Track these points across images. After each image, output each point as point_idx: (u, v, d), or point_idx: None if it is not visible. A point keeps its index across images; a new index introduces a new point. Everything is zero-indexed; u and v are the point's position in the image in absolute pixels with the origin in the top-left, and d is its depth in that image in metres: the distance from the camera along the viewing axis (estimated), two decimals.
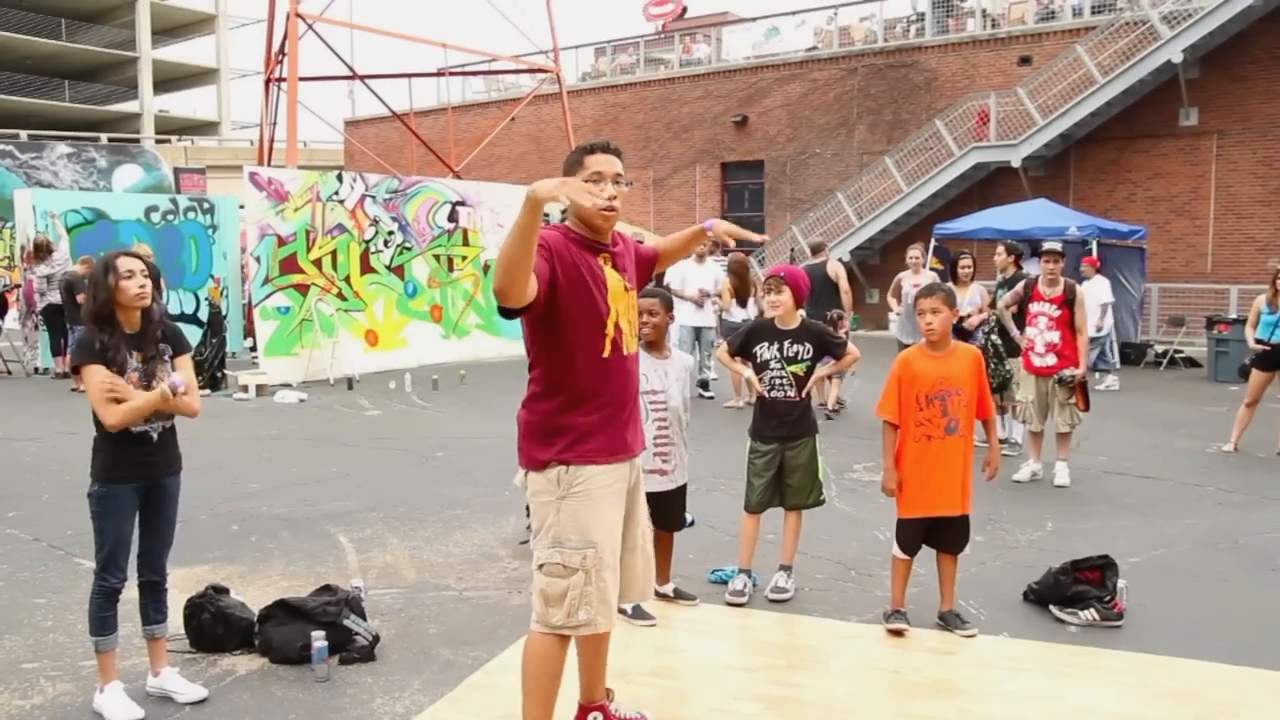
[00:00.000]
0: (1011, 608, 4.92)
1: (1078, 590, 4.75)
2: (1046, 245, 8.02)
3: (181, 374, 3.79)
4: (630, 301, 3.24)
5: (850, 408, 10.93)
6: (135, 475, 3.71)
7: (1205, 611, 4.88)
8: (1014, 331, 8.14)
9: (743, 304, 11.28)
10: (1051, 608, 4.79)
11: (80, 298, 5.89)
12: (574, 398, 3.09)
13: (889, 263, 20.37)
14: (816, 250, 11.32)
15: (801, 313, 5.06)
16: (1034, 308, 7.62)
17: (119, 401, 3.58)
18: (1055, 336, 7.48)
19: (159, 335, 3.78)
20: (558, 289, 2.99)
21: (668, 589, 4.96)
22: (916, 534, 4.61)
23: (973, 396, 4.55)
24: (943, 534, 4.60)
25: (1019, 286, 8.11)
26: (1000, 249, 9.12)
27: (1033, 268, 11.65)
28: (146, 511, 3.79)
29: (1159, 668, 4.20)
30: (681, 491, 4.92)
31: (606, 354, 3.11)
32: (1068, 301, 7.47)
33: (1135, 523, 6.42)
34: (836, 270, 10.83)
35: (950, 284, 9.44)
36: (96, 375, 3.59)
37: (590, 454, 3.08)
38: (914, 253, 10.95)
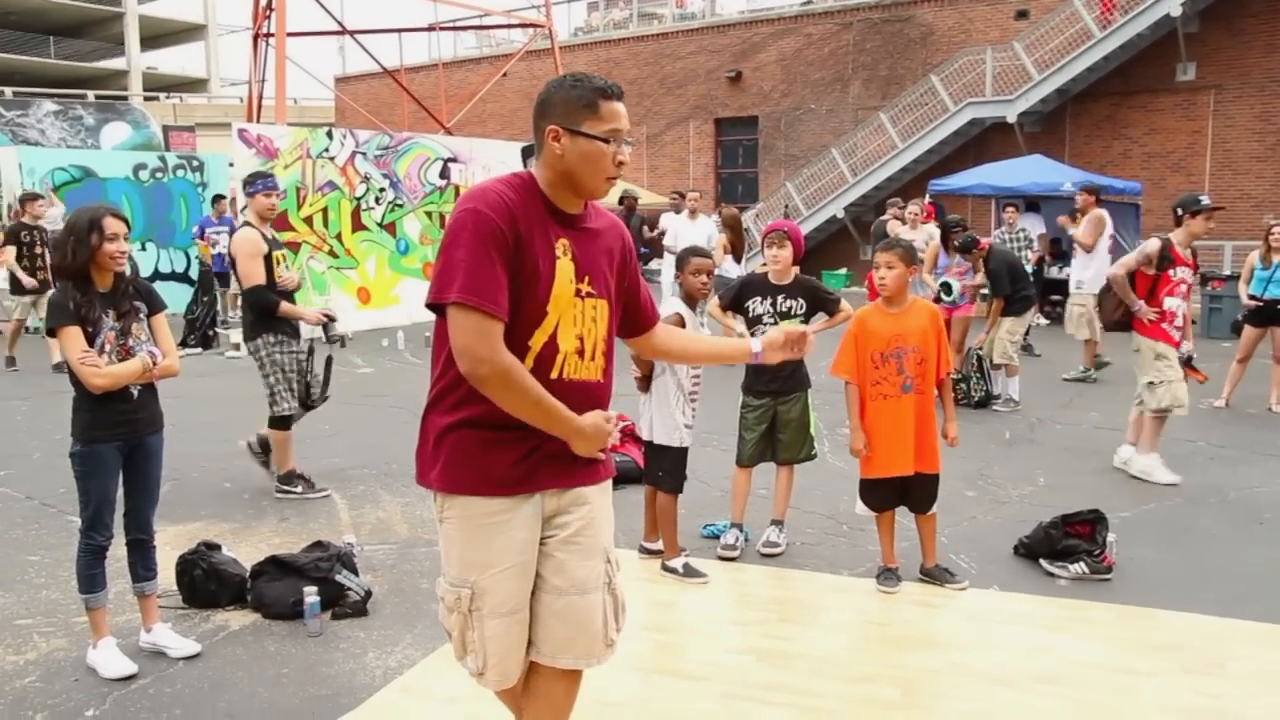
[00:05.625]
0: (1002, 562, 4.94)
1: (1068, 544, 4.78)
2: (1205, 201, 6.29)
3: (158, 335, 3.78)
4: (583, 311, 2.46)
5: None
6: (117, 434, 3.69)
7: (1194, 565, 4.91)
8: (1137, 305, 6.25)
9: (737, 259, 11.23)
10: (1042, 561, 4.82)
11: None
12: (472, 403, 2.38)
13: None
14: (891, 206, 13.34)
15: (796, 269, 5.03)
16: (1177, 274, 6.21)
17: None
18: (1187, 307, 6.40)
19: (132, 292, 3.75)
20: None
21: (667, 553, 4.96)
22: (885, 493, 4.59)
23: (930, 353, 4.48)
24: (907, 492, 4.59)
25: (1148, 247, 6.27)
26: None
27: (1029, 223, 11.64)
28: (130, 470, 3.77)
29: (1148, 620, 4.23)
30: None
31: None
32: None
33: (1126, 477, 6.44)
34: (895, 229, 12.49)
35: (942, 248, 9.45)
36: (75, 340, 3.56)
37: (461, 483, 2.43)
38: (913, 208, 10.91)
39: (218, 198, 13.82)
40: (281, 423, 5.95)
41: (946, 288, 8.60)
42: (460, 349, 2.30)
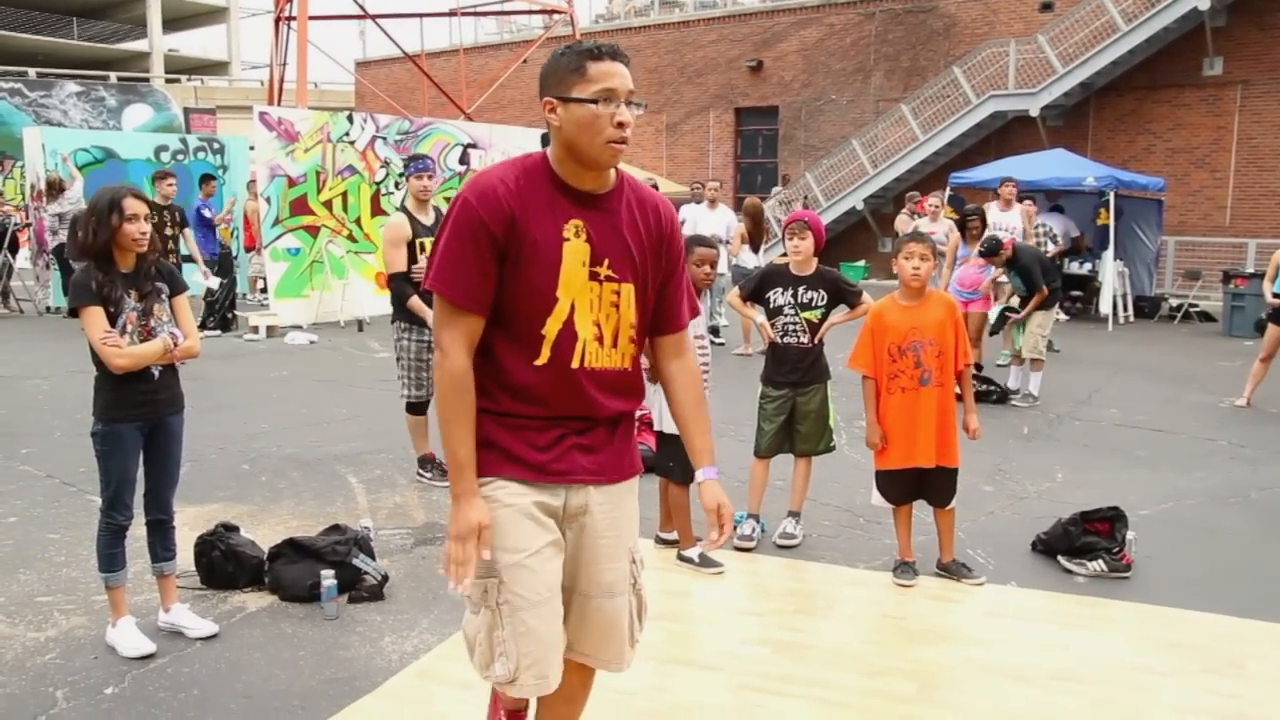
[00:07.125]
0: (1020, 557, 4.92)
1: (1086, 541, 4.74)
2: None
3: (179, 316, 3.80)
4: (600, 296, 2.34)
5: None
6: (137, 414, 3.70)
7: (1213, 564, 4.88)
8: None
9: (755, 249, 11.20)
10: (1060, 558, 4.79)
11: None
12: (493, 393, 2.34)
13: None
14: (909, 201, 13.64)
15: (817, 259, 5.01)
16: None
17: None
18: None
19: (154, 274, 3.76)
20: (505, 263, 2.28)
21: (682, 543, 4.96)
22: (901, 485, 4.57)
23: (948, 346, 4.46)
24: (926, 486, 4.57)
25: None
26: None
27: (1054, 223, 11.56)
28: (151, 450, 3.79)
29: (1166, 619, 4.20)
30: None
31: (542, 361, 2.31)
32: None
33: (1145, 475, 6.40)
34: (903, 224, 12.71)
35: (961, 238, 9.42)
36: (97, 320, 3.57)
37: (486, 464, 2.34)
38: (933, 200, 10.87)
39: (205, 178, 13.66)
40: (410, 408, 6.01)
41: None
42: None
